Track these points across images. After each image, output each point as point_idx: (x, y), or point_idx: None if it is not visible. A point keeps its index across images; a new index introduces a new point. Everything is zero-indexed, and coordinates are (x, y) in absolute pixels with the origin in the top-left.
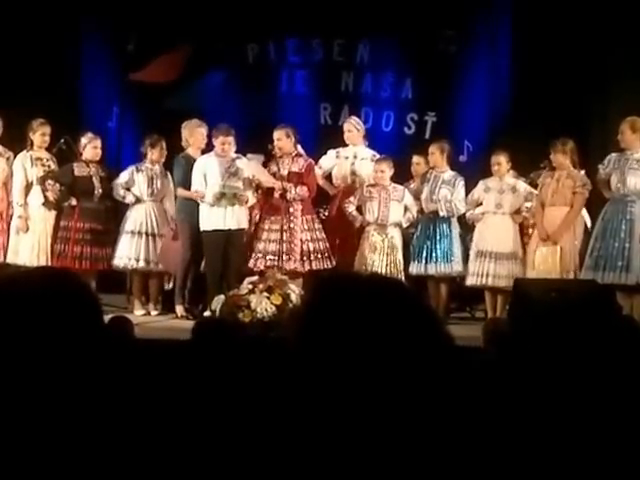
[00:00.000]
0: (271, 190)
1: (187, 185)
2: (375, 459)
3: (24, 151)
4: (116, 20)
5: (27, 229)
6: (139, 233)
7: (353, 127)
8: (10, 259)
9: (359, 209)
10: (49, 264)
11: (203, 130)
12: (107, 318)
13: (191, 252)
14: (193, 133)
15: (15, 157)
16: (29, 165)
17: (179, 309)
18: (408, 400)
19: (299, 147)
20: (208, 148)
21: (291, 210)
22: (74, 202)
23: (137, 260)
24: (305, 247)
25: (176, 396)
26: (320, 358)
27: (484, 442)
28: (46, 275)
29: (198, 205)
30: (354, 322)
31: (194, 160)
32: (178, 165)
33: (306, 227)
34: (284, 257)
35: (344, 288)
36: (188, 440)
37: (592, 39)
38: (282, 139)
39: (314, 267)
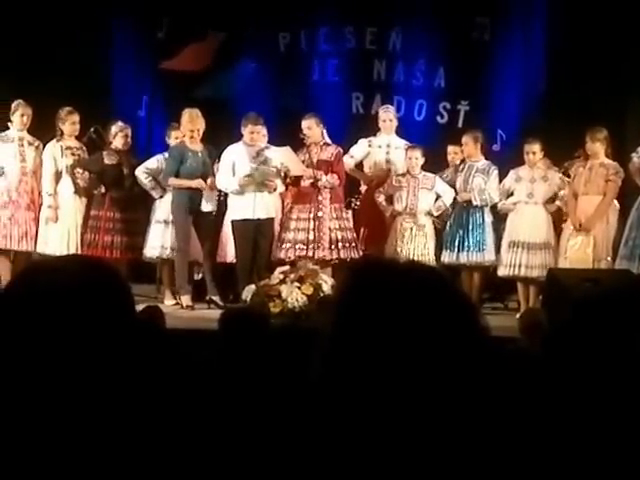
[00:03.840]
0: (299, 179)
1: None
2: (411, 449)
3: (53, 140)
4: (147, 8)
5: (57, 219)
6: (171, 222)
7: (393, 116)
8: (40, 249)
9: (390, 199)
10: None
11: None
12: (138, 308)
13: (183, 242)
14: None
15: (44, 146)
16: (59, 154)
17: (184, 299)
18: (444, 391)
19: (326, 135)
20: (236, 137)
21: (320, 198)
22: (103, 190)
23: (168, 249)
24: (334, 235)
25: (205, 386)
26: (354, 346)
27: (521, 432)
28: (77, 263)
29: (191, 194)
30: (390, 310)
31: (188, 150)
32: (170, 155)
33: (334, 215)
34: (313, 246)
35: (380, 274)
36: (216, 429)
37: (628, 27)
38: (312, 128)
39: (342, 256)
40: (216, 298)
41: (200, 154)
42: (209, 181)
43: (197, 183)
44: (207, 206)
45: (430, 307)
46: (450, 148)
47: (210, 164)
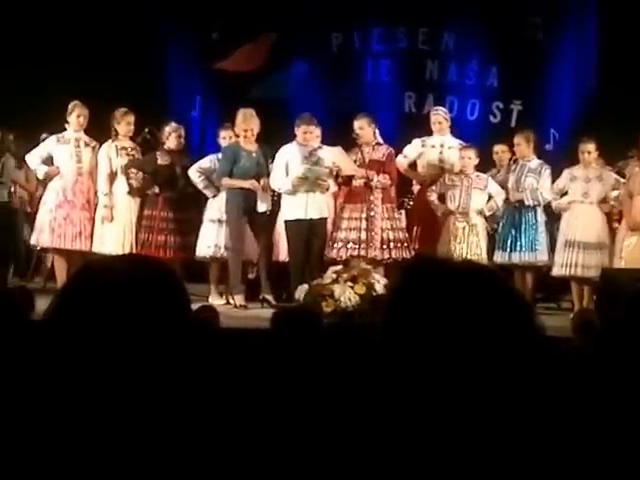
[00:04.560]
0: (350, 178)
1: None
2: (463, 448)
3: (109, 141)
4: (200, 9)
5: (112, 219)
6: (225, 222)
7: (443, 118)
8: (96, 248)
9: (441, 198)
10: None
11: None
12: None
13: (237, 241)
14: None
15: (100, 147)
16: (114, 155)
17: (238, 299)
18: (499, 392)
19: (378, 135)
20: (291, 137)
21: (371, 198)
22: (157, 190)
23: (222, 248)
24: (385, 235)
25: (257, 385)
26: (408, 345)
27: (574, 434)
28: (134, 262)
29: (245, 194)
30: (444, 309)
31: (241, 149)
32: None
33: (386, 216)
34: (365, 245)
35: (433, 273)
36: (269, 428)
37: None
38: (365, 128)
39: (394, 256)
40: (269, 297)
41: (254, 154)
42: (262, 181)
43: (250, 184)
44: (261, 206)
45: (485, 306)
46: (497, 147)
47: (265, 164)
